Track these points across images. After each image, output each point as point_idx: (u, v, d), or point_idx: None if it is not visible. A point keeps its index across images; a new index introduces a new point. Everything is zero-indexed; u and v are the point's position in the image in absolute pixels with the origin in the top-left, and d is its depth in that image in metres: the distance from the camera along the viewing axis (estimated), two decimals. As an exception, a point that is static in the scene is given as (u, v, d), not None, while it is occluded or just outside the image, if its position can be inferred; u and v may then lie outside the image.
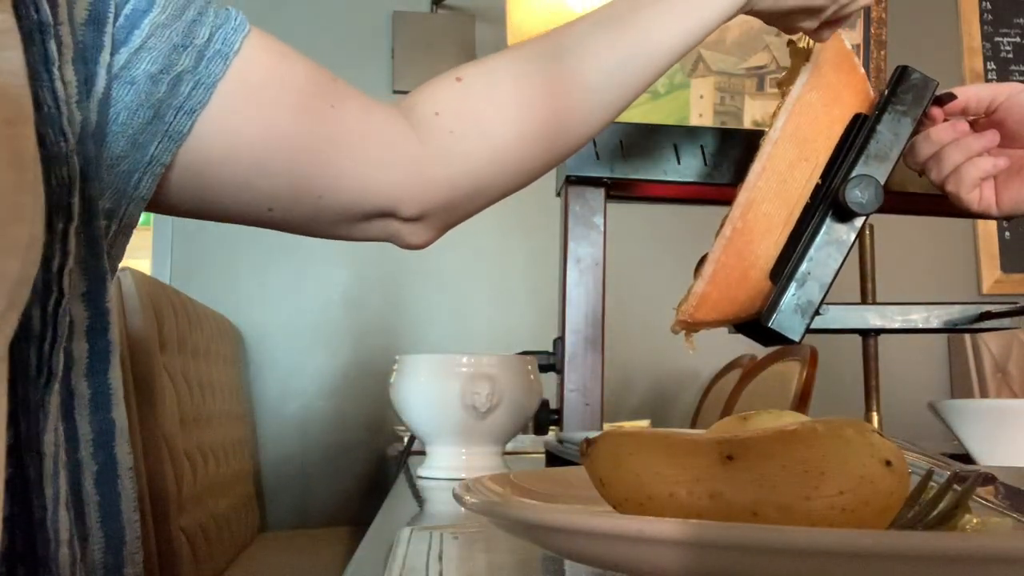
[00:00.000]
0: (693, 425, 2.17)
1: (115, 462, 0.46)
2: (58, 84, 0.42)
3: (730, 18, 0.66)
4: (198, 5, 0.51)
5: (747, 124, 2.74)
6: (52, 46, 0.42)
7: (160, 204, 0.51)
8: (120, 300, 1.32)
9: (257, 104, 0.51)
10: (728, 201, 0.82)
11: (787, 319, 0.80)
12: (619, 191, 0.99)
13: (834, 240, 0.81)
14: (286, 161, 0.53)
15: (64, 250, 0.42)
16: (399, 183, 0.57)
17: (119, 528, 0.47)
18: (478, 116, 0.60)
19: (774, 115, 0.83)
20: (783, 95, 0.84)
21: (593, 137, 0.67)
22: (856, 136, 0.83)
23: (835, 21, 0.73)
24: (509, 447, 0.88)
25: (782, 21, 0.71)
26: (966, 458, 0.81)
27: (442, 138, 0.59)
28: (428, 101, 0.61)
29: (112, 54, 0.46)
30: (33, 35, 0.41)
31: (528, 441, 1.34)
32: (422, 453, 0.87)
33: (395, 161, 0.57)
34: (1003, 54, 2.91)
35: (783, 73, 0.86)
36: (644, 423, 2.03)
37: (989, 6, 2.92)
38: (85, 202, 0.43)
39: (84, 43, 0.45)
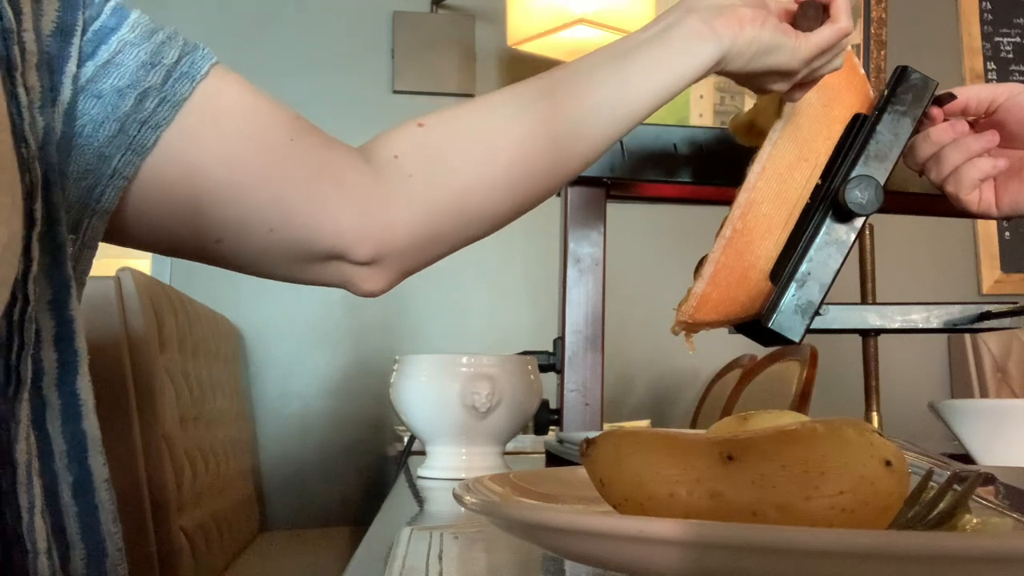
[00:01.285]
0: (693, 425, 2.18)
1: (89, 474, 0.46)
2: (20, 90, 0.43)
3: (702, 77, 0.65)
4: (168, 31, 0.51)
5: (747, 124, 2.74)
6: (15, 52, 0.43)
7: (116, 228, 0.51)
8: (120, 300, 1.32)
9: (216, 131, 0.51)
10: (728, 201, 0.82)
11: (787, 319, 0.80)
12: (619, 191, 0.99)
13: (834, 240, 0.81)
14: (239, 190, 0.52)
15: (28, 256, 0.42)
16: (352, 223, 0.56)
17: (99, 540, 0.46)
18: (439, 160, 0.59)
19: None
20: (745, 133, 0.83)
21: (561, 186, 0.65)
22: (856, 136, 0.83)
23: (807, 83, 0.72)
24: (509, 447, 0.88)
25: (754, 82, 0.70)
26: (966, 458, 0.81)
27: (400, 181, 0.58)
28: (388, 144, 0.60)
29: (79, 66, 0.46)
30: None
31: (528, 441, 1.34)
32: (422, 453, 0.87)
33: (350, 200, 0.56)
34: (1003, 54, 2.91)
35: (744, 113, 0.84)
36: (644, 423, 2.03)
37: (989, 6, 2.92)
38: (48, 208, 0.43)
39: (50, 52, 0.45)
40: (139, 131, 0.47)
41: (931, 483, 0.36)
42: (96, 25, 0.48)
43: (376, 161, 0.59)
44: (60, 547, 0.45)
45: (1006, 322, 0.98)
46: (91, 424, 0.46)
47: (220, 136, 0.51)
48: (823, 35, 0.68)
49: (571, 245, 1.00)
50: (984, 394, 2.63)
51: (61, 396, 0.45)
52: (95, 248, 0.49)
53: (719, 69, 0.66)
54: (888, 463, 0.30)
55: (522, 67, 2.63)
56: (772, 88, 0.70)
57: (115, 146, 0.47)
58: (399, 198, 0.58)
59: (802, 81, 0.70)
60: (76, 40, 0.46)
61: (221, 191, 0.51)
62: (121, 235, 0.51)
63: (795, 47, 0.66)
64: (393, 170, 0.58)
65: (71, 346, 0.45)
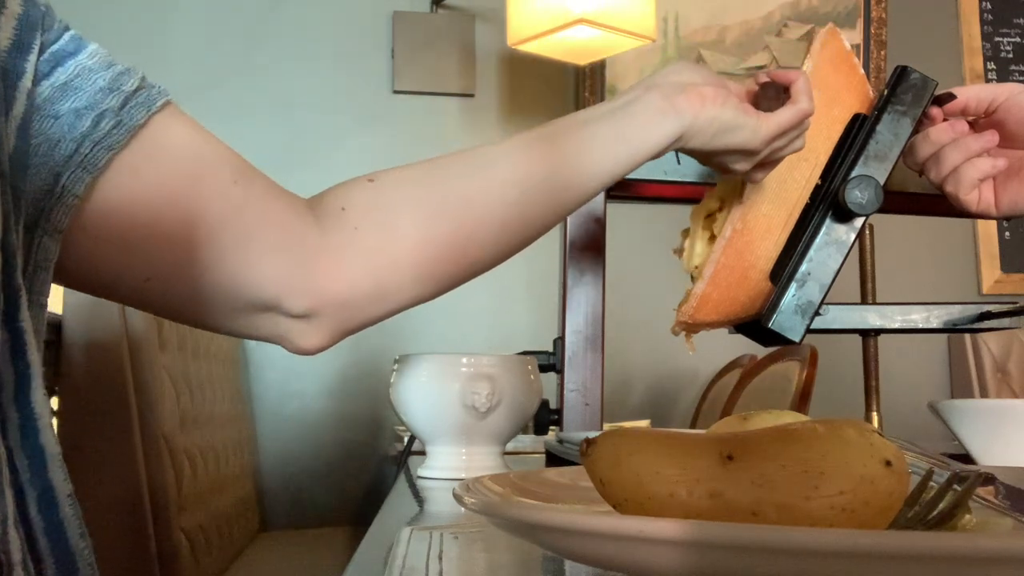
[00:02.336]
0: (693, 425, 2.17)
1: (52, 489, 0.45)
2: None
3: (662, 153, 0.65)
4: (126, 65, 0.51)
5: (747, 124, 2.74)
6: None
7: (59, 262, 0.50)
8: (120, 300, 1.32)
9: (159, 166, 0.50)
10: (728, 201, 0.82)
11: (787, 320, 0.80)
12: (619, 191, 0.99)
13: (834, 240, 0.81)
14: (173, 228, 0.50)
15: None
16: (289, 272, 0.54)
17: (68, 554, 0.46)
18: (386, 216, 0.58)
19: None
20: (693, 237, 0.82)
21: (511, 253, 0.63)
22: (855, 136, 0.83)
23: (768, 163, 0.72)
24: (509, 447, 0.88)
25: (715, 161, 0.70)
26: (966, 458, 0.81)
27: (345, 233, 0.57)
28: (337, 197, 0.59)
29: (34, 83, 0.46)
30: None
31: (528, 441, 1.34)
32: (422, 453, 0.87)
33: (288, 247, 0.54)
34: (1003, 54, 2.91)
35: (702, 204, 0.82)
36: (644, 423, 2.03)
37: (989, 6, 2.92)
38: None
39: (4, 66, 0.45)
40: (91, 150, 0.47)
41: (931, 483, 0.36)
42: (54, 48, 0.48)
43: (323, 213, 0.57)
44: (34, 560, 0.44)
45: (1006, 322, 0.98)
46: (48, 439, 0.45)
47: (161, 171, 0.50)
48: (784, 116, 0.68)
49: (571, 245, 1.00)
50: (984, 394, 2.63)
51: (19, 410, 0.44)
52: (49, 271, 0.47)
53: (680, 146, 0.66)
54: (888, 463, 0.30)
55: (522, 67, 2.63)
56: (733, 167, 0.70)
57: (69, 165, 0.46)
58: (342, 251, 0.56)
59: (763, 161, 0.71)
60: (32, 58, 0.46)
61: (155, 227, 0.50)
62: (56, 269, 0.50)
63: (756, 127, 0.66)
64: (339, 223, 0.57)
65: (23, 359, 0.44)
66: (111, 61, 0.50)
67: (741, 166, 0.70)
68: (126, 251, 0.50)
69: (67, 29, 0.49)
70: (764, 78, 0.71)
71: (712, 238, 0.81)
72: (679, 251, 0.83)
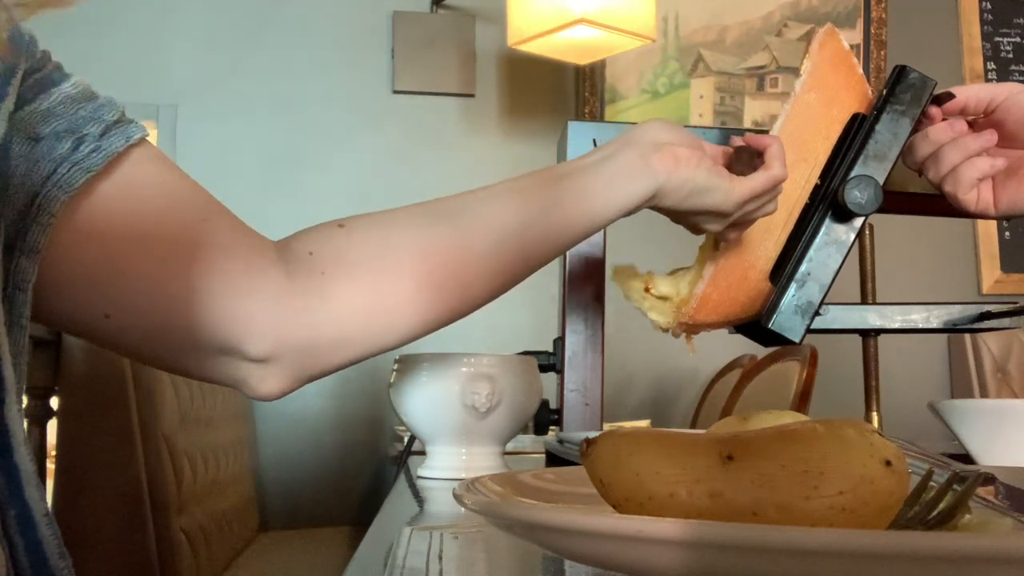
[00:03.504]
0: (693, 425, 2.18)
1: (28, 508, 0.45)
2: None
3: (634, 211, 0.66)
4: (106, 97, 0.51)
5: (747, 124, 2.75)
6: None
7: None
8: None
9: (131, 197, 0.50)
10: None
11: (787, 320, 0.80)
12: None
13: (833, 240, 0.81)
14: (137, 262, 0.50)
15: None
16: (251, 313, 0.53)
17: (49, 574, 0.45)
18: (355, 262, 0.57)
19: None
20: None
21: (480, 304, 0.63)
22: (855, 136, 0.83)
23: (741, 224, 0.72)
24: (509, 447, 0.88)
25: (687, 220, 0.70)
26: (966, 458, 0.81)
27: (311, 278, 0.56)
28: (306, 241, 0.58)
29: (16, 108, 0.46)
30: None
31: (528, 441, 1.34)
32: (422, 453, 0.87)
33: (251, 292, 0.53)
34: (1003, 54, 2.91)
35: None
36: (644, 423, 2.03)
37: (989, 6, 2.92)
38: None
39: None
40: (69, 171, 0.47)
41: (931, 483, 0.36)
42: (38, 75, 0.48)
43: (291, 257, 0.57)
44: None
45: (1006, 322, 0.98)
46: (22, 458, 0.44)
47: (130, 204, 0.50)
48: (756, 181, 0.68)
49: (571, 245, 1.00)
50: (984, 394, 2.63)
51: None
52: (28, 292, 0.47)
53: (652, 204, 0.67)
54: (888, 463, 0.30)
55: (522, 67, 2.63)
56: (705, 227, 0.71)
57: (46, 185, 0.46)
58: (307, 296, 0.55)
59: (736, 223, 0.71)
60: (15, 82, 0.46)
61: (118, 261, 0.49)
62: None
63: (729, 190, 0.67)
64: (306, 267, 0.56)
65: None
66: (94, 93, 0.50)
67: (713, 227, 0.71)
68: (88, 284, 0.49)
69: (50, 59, 0.49)
70: (739, 142, 0.72)
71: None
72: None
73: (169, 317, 0.51)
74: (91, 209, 0.48)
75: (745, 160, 0.70)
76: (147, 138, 0.52)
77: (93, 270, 0.49)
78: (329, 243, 0.58)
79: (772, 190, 0.70)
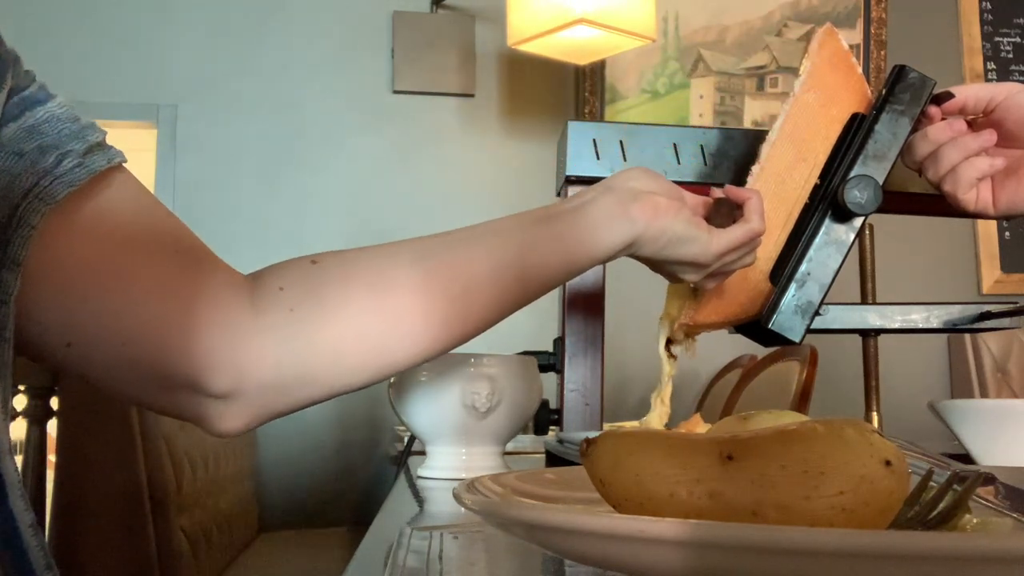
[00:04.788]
0: (693, 425, 2.17)
1: (12, 518, 0.45)
2: None
3: (612, 258, 0.65)
4: (89, 120, 0.50)
5: (747, 124, 2.75)
6: None
7: None
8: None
9: (105, 220, 0.49)
10: (728, 201, 0.82)
11: (787, 320, 0.80)
12: (619, 191, 0.99)
13: (833, 240, 0.81)
14: (103, 289, 0.48)
15: None
16: (214, 350, 0.52)
17: None
18: (325, 300, 0.56)
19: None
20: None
21: (452, 348, 0.62)
22: (854, 136, 0.83)
23: (719, 274, 0.72)
24: (509, 447, 0.88)
25: (665, 269, 0.70)
26: (966, 458, 0.81)
27: (279, 313, 0.55)
28: (276, 276, 0.57)
29: (1, 125, 0.46)
30: None
31: (528, 441, 1.34)
32: (422, 453, 0.87)
33: (217, 324, 0.52)
34: (1003, 54, 2.91)
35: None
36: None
37: (989, 6, 2.92)
38: None
39: None
40: (51, 183, 0.46)
41: (931, 483, 0.36)
42: (24, 93, 0.47)
43: (261, 291, 0.55)
44: None
45: (1006, 322, 0.98)
46: (7, 468, 0.44)
47: (103, 228, 0.49)
48: (735, 233, 0.69)
49: (571, 245, 1.00)
50: (984, 394, 2.63)
51: None
52: (10, 305, 0.46)
53: (630, 252, 0.66)
54: (888, 463, 0.30)
55: (522, 67, 2.63)
56: (684, 277, 0.71)
57: (28, 197, 0.46)
58: (274, 333, 0.54)
59: (714, 273, 0.71)
60: (1, 99, 0.46)
61: (82, 288, 0.48)
62: None
63: (707, 241, 0.67)
64: (275, 303, 0.55)
65: None
66: (77, 116, 0.49)
67: (691, 277, 0.71)
68: (54, 309, 0.48)
69: (35, 79, 0.49)
70: (719, 194, 0.72)
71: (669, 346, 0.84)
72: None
73: (127, 352, 0.50)
74: (66, 229, 0.47)
75: (724, 212, 0.71)
76: (126, 165, 0.51)
77: (60, 295, 0.48)
78: (300, 279, 0.57)
79: (750, 243, 0.71)
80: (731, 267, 0.72)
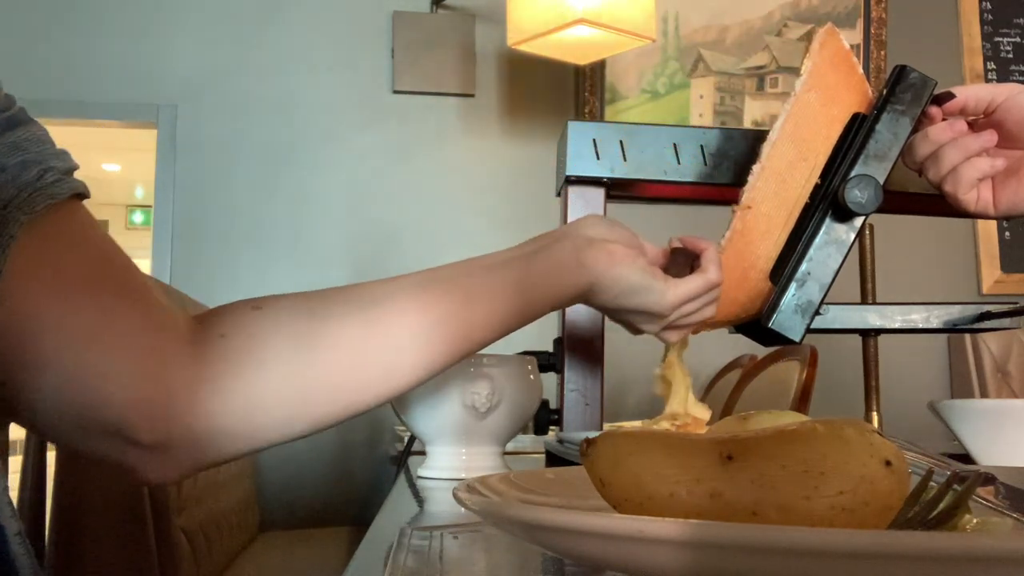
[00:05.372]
0: (693, 425, 2.17)
1: (1, 528, 0.44)
2: None
3: (566, 305, 0.64)
4: (63, 149, 0.50)
5: (747, 124, 2.75)
6: None
7: None
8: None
9: (59, 251, 0.48)
10: (729, 201, 0.82)
11: (787, 319, 0.80)
12: (619, 191, 0.99)
13: (834, 240, 0.81)
14: (37, 328, 0.46)
15: None
16: (145, 398, 0.49)
17: None
18: (267, 349, 0.54)
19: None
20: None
21: (395, 395, 0.60)
22: (855, 136, 0.83)
23: (680, 326, 0.71)
24: (509, 447, 0.88)
25: (621, 318, 0.70)
26: (966, 458, 0.81)
27: (217, 364, 0.53)
28: (219, 321, 0.55)
29: None
30: None
31: (528, 441, 1.34)
32: (422, 453, 0.87)
33: (151, 372, 0.50)
34: (1003, 54, 2.91)
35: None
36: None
37: (989, 6, 2.92)
38: None
39: None
40: (31, 195, 0.46)
41: (931, 483, 0.36)
42: (8, 114, 0.47)
43: (202, 338, 0.53)
44: None
45: (1006, 322, 0.98)
46: None
47: (55, 258, 0.48)
48: (691, 284, 0.68)
49: (571, 245, 1.00)
50: (984, 394, 2.63)
51: None
52: None
53: (584, 300, 0.66)
54: (888, 463, 0.30)
55: (522, 67, 2.63)
56: (641, 328, 0.71)
57: (8, 208, 0.45)
58: (211, 383, 0.52)
59: (673, 325, 0.70)
60: None
61: (20, 324, 0.46)
62: None
63: (663, 291, 0.67)
64: (215, 352, 0.53)
65: None
66: (53, 141, 0.49)
67: (648, 327, 0.70)
68: None
69: (15, 102, 0.49)
70: (676, 243, 0.71)
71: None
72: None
73: (58, 396, 0.48)
74: (29, 251, 0.46)
75: (681, 262, 0.70)
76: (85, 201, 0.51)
77: (2, 328, 0.46)
78: (242, 326, 0.55)
79: (707, 294, 0.70)
80: (691, 319, 0.71)
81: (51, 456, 1.32)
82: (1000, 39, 2.91)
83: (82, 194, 0.49)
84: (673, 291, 0.67)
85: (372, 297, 0.58)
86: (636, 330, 0.72)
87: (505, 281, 0.62)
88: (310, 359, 0.55)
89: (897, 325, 1.00)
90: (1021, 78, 2.86)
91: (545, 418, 0.95)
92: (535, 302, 0.63)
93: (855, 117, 0.84)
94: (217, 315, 0.56)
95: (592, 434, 0.36)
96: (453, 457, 0.82)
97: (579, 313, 0.99)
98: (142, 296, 0.51)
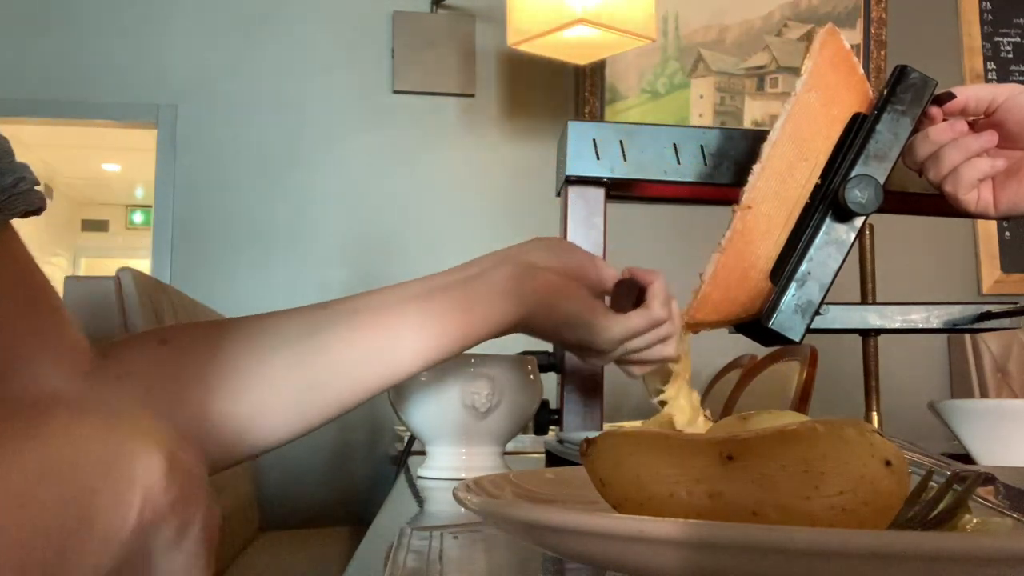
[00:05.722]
0: (693, 425, 2.17)
1: None
2: None
3: (501, 334, 0.61)
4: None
5: (747, 124, 2.75)
6: None
7: None
8: (120, 300, 1.32)
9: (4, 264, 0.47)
10: (729, 201, 0.82)
11: (787, 319, 0.80)
12: (619, 191, 0.99)
13: (834, 240, 0.81)
14: None
15: None
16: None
17: None
18: (176, 384, 0.52)
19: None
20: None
21: (312, 430, 0.57)
22: (855, 136, 0.83)
23: (636, 361, 0.68)
24: (509, 447, 0.88)
25: (570, 349, 0.66)
26: (966, 458, 0.81)
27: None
28: (123, 360, 0.53)
29: None
30: None
31: (528, 441, 1.34)
32: (422, 453, 0.87)
33: (33, 394, 0.48)
34: (1003, 54, 2.91)
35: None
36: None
37: (989, 6, 2.92)
38: None
39: None
40: (8, 199, 0.46)
41: (931, 483, 0.36)
42: None
43: (101, 379, 0.51)
44: None
45: (1006, 322, 0.98)
46: None
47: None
48: (633, 321, 0.65)
49: (571, 245, 1.00)
50: (984, 394, 2.63)
51: None
52: None
53: (522, 330, 0.63)
54: (888, 463, 0.30)
55: (522, 67, 2.63)
56: (589, 361, 0.68)
57: None
58: None
59: (623, 359, 0.67)
60: None
61: None
62: None
63: (604, 327, 0.64)
64: (109, 390, 0.51)
65: None
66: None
67: (593, 361, 0.67)
68: None
69: None
70: (625, 274, 0.68)
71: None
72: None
73: None
74: None
75: (624, 294, 0.66)
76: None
77: None
78: (149, 363, 0.53)
79: (653, 331, 0.66)
80: (640, 356, 0.67)
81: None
82: (1000, 39, 2.91)
83: (41, 208, 0.49)
84: (615, 328, 0.64)
85: (298, 334, 0.55)
86: (584, 360, 0.69)
87: (442, 308, 0.59)
88: (219, 398, 0.52)
89: (897, 325, 1.00)
90: (1021, 78, 2.86)
91: (545, 418, 0.95)
92: (465, 332, 0.60)
93: (855, 117, 0.84)
94: (119, 353, 0.53)
95: (592, 434, 0.36)
96: (453, 457, 0.82)
97: (579, 313, 0.99)
98: (53, 320, 0.50)
